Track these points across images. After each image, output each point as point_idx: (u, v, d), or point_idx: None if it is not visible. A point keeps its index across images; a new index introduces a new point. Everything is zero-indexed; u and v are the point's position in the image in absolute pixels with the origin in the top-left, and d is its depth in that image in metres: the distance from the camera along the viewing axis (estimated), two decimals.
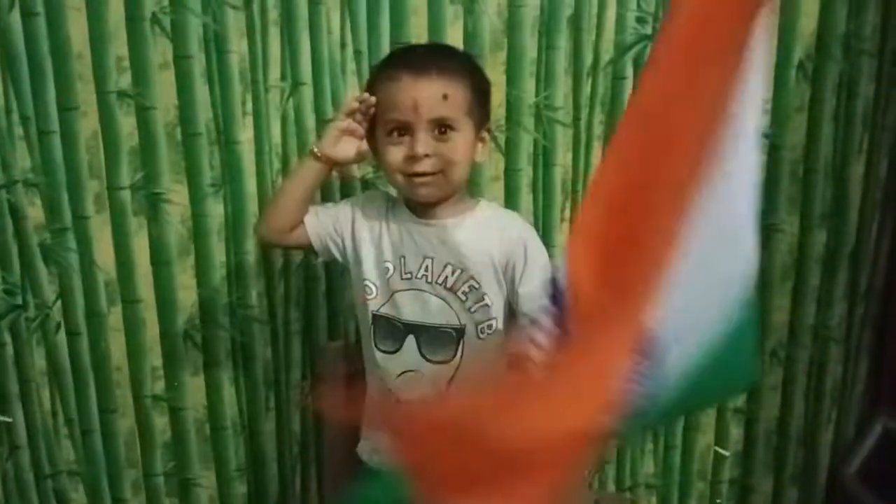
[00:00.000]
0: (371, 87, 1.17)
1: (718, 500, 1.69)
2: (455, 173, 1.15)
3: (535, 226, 1.50)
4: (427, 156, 1.12)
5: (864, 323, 1.63)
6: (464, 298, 1.17)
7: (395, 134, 1.14)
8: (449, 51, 1.24)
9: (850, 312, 1.61)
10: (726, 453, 1.66)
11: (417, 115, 1.11)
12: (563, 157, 1.49)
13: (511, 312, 1.22)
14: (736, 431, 1.66)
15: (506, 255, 1.18)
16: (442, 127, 1.12)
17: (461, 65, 1.17)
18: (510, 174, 1.49)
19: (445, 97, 1.11)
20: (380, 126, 1.16)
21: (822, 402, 1.65)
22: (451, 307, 1.18)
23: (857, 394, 1.67)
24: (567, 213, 1.52)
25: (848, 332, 1.62)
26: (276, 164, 1.45)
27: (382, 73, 1.16)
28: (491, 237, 1.19)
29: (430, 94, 1.11)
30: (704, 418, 1.65)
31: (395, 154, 1.14)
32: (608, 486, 1.66)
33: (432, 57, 1.15)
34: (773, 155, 1.52)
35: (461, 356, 1.17)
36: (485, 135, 1.20)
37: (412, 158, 1.12)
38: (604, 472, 1.66)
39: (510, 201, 1.49)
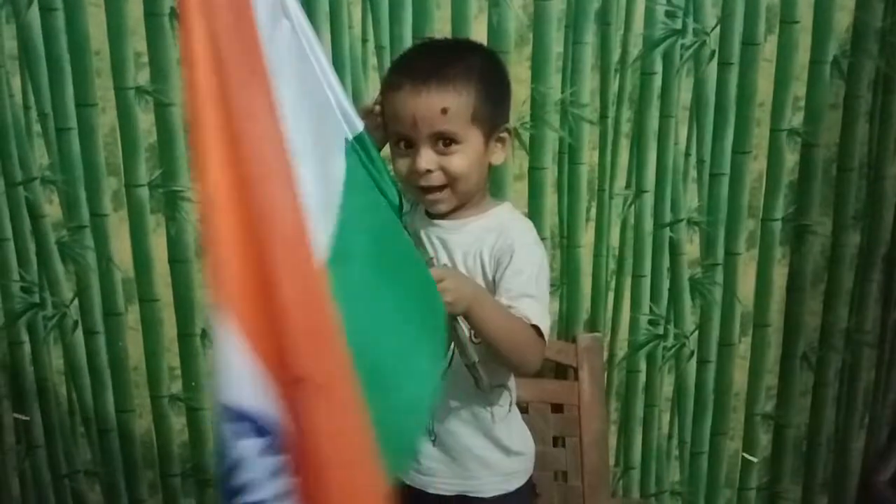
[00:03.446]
0: (382, 90, 1.11)
1: None
2: (462, 185, 1.09)
3: (560, 226, 1.47)
4: (430, 171, 1.07)
5: None
6: None
7: (402, 145, 1.09)
8: (456, 53, 1.12)
9: (883, 316, 1.57)
10: (754, 459, 1.63)
11: (417, 130, 1.05)
12: (589, 156, 1.45)
13: None
14: (764, 437, 1.62)
15: (495, 259, 1.12)
16: (445, 140, 1.07)
17: (466, 70, 1.08)
18: (534, 173, 1.46)
19: (444, 111, 1.04)
20: (389, 133, 1.11)
21: (854, 408, 1.61)
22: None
23: (891, 399, 1.62)
24: (593, 213, 1.48)
25: (881, 336, 1.58)
26: None
27: (388, 78, 1.10)
28: (488, 240, 1.13)
29: (427, 109, 1.04)
30: (732, 423, 1.61)
31: (402, 165, 1.09)
32: (633, 492, 1.63)
33: (435, 64, 1.07)
34: (806, 153, 1.48)
35: (451, 358, 1.10)
36: (504, 135, 1.13)
37: (416, 172, 1.07)
38: (628, 479, 1.62)
39: (534, 201, 1.46)
